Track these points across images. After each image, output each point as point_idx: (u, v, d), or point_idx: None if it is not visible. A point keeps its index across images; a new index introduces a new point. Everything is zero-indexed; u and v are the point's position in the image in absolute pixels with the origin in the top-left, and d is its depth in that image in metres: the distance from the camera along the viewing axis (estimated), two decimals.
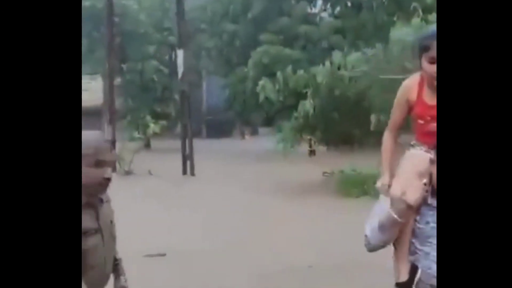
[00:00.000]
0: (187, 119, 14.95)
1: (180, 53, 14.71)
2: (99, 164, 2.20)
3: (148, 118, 15.22)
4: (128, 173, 15.11)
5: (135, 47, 22.81)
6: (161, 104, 24.21)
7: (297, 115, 11.97)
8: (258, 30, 23.67)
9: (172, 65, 24.34)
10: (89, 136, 2.21)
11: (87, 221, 2.21)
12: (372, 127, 11.97)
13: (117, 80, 23.00)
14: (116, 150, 15.48)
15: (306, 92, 12.24)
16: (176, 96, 25.08)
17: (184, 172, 15.13)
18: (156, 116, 23.48)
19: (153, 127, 14.76)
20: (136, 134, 15.29)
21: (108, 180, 2.25)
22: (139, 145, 15.33)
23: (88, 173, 2.14)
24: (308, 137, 22.00)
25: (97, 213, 2.31)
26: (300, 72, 12.15)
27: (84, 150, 2.07)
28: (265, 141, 29.02)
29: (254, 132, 36.32)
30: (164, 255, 6.50)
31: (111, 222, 2.42)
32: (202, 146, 21.34)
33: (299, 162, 18.55)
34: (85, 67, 16.90)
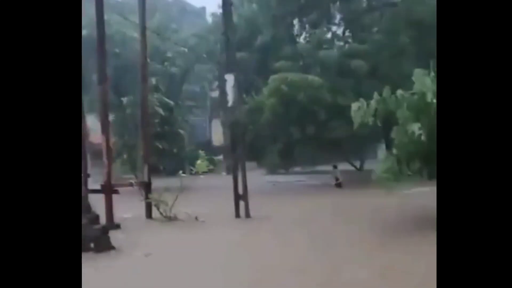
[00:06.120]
0: (241, 153, 12.98)
1: (229, 78, 12.84)
2: None
3: (201, 153, 13.00)
4: (170, 218, 12.85)
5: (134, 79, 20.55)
6: (161, 139, 21.98)
7: (400, 142, 10.40)
8: (267, 57, 22.19)
9: (176, 97, 22.36)
10: None
11: None
12: None
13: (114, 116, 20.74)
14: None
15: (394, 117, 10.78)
16: (181, 130, 23.03)
17: (237, 215, 13.06)
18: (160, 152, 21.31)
19: (203, 164, 12.57)
20: (181, 173, 13.07)
21: None
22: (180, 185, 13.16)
23: None
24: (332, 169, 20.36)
25: None
26: (399, 92, 10.64)
27: None
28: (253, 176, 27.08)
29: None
30: None
31: None
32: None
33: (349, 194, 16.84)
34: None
